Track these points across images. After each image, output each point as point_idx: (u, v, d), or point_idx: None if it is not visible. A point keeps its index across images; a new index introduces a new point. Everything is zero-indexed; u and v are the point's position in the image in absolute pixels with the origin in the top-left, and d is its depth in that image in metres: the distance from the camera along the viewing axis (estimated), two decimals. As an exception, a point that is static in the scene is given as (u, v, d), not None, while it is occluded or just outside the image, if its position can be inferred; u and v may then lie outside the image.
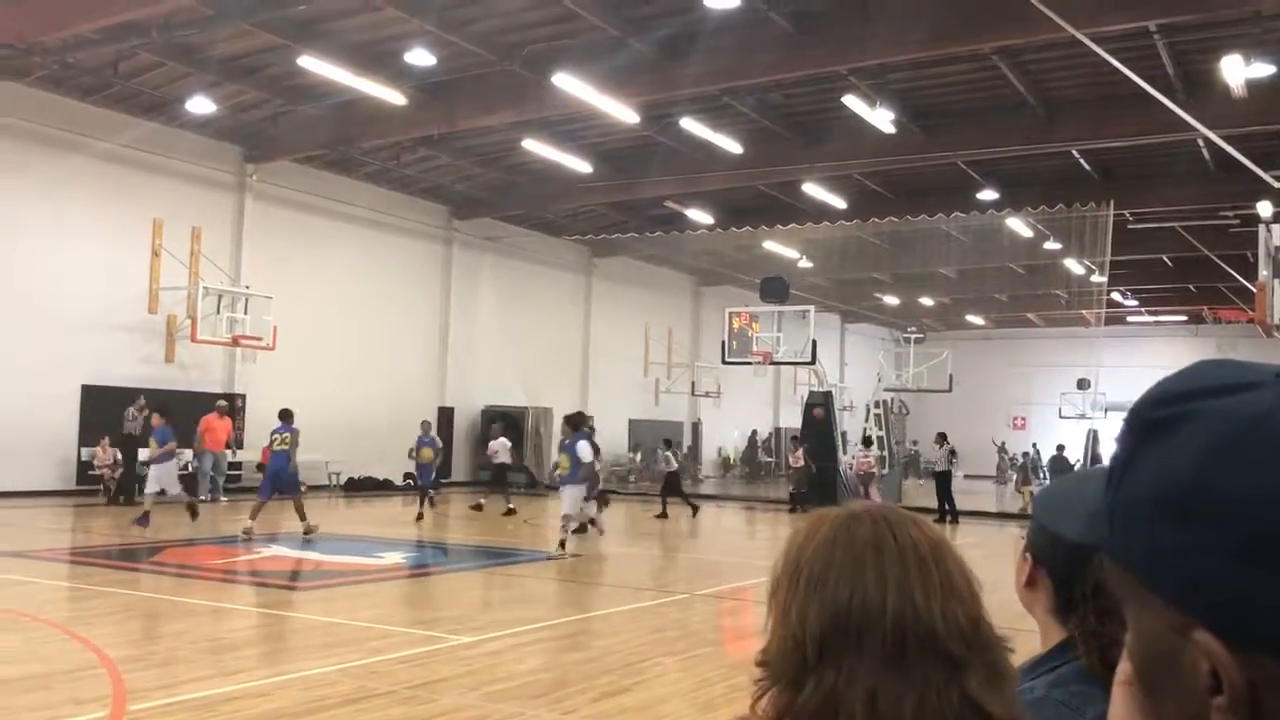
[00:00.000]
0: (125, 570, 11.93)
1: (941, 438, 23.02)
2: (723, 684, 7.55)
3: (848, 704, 1.09)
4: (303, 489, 16.38)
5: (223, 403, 21.65)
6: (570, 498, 14.33)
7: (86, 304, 20.91)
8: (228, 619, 9.56)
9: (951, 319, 47.47)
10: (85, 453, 20.74)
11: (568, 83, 18.25)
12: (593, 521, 15.92)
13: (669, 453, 23.40)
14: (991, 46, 17.38)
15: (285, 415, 15.83)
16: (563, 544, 13.98)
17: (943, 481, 22.82)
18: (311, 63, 18.36)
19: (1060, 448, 34.13)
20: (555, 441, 31.06)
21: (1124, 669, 0.74)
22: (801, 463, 23.42)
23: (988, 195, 25.61)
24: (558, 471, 14.92)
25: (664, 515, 21.39)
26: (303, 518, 15.18)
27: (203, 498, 20.05)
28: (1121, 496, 0.69)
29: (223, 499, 21.20)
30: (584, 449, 14.35)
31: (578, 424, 14.92)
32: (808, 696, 1.11)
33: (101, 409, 21.03)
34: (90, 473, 20.85)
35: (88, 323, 20.94)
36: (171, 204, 22.44)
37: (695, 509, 22.01)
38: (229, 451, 21.99)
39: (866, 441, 26.29)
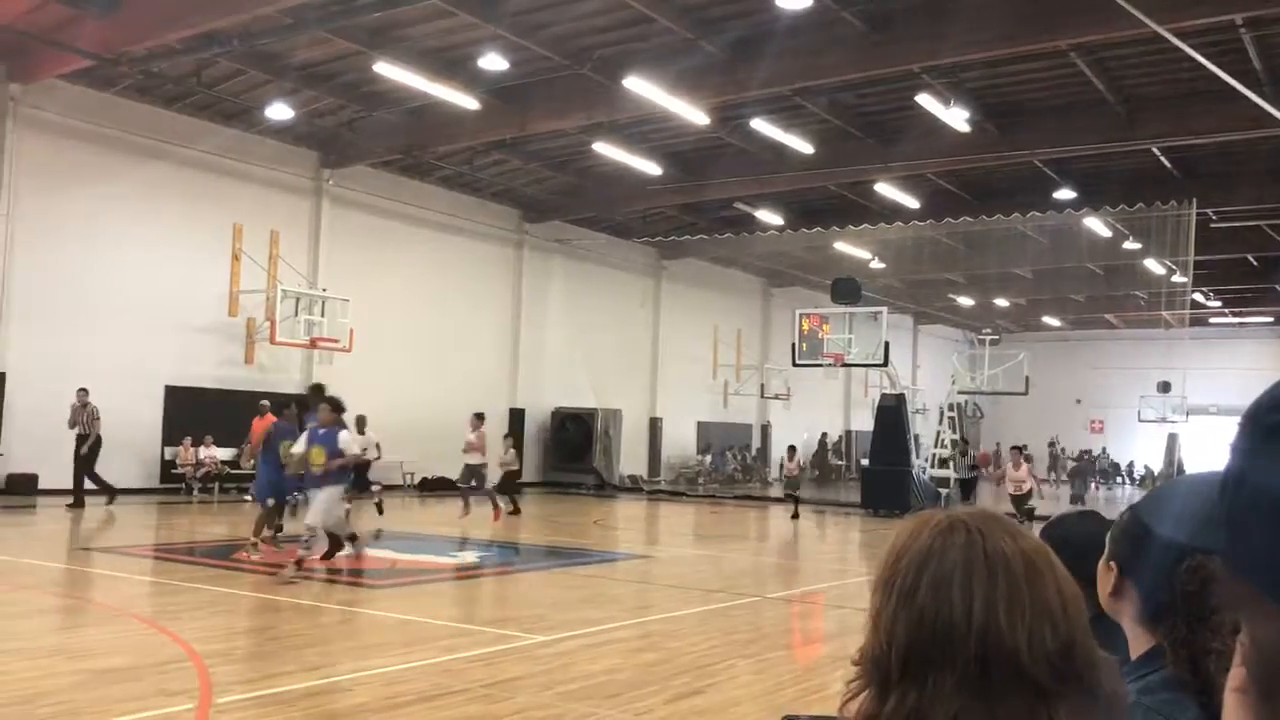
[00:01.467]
0: (208, 567, 12.23)
1: (964, 446, 23.15)
2: (795, 688, 7.52)
3: None
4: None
5: (265, 402, 20.45)
6: (324, 503, 11.14)
7: (170, 307, 21.49)
8: (307, 615, 9.75)
9: (1027, 320, 46.67)
10: (169, 452, 21.32)
11: (639, 85, 18.30)
12: (352, 538, 12.33)
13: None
14: (1069, 43, 17.05)
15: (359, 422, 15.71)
16: (299, 563, 11.06)
17: (966, 490, 22.82)
18: (386, 69, 18.67)
19: (1085, 452, 33.49)
20: (624, 443, 31.37)
21: (1238, 675, 0.73)
22: (796, 470, 23.86)
23: (1065, 194, 25.12)
24: (312, 468, 11.29)
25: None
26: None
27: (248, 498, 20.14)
28: (1239, 503, 0.68)
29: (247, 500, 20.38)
30: (345, 438, 11.44)
31: (338, 405, 11.65)
32: (890, 711, 1.09)
33: (184, 409, 21.62)
34: (173, 471, 21.44)
35: (171, 325, 21.51)
36: (251, 209, 22.97)
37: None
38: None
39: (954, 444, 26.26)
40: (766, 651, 8.78)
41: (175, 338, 21.61)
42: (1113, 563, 1.62)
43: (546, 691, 6.96)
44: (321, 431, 11.35)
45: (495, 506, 19.02)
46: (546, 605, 10.38)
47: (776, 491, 32.53)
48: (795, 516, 22.69)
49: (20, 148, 19.57)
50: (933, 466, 26.98)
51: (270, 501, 12.72)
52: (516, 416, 29.10)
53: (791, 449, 24.49)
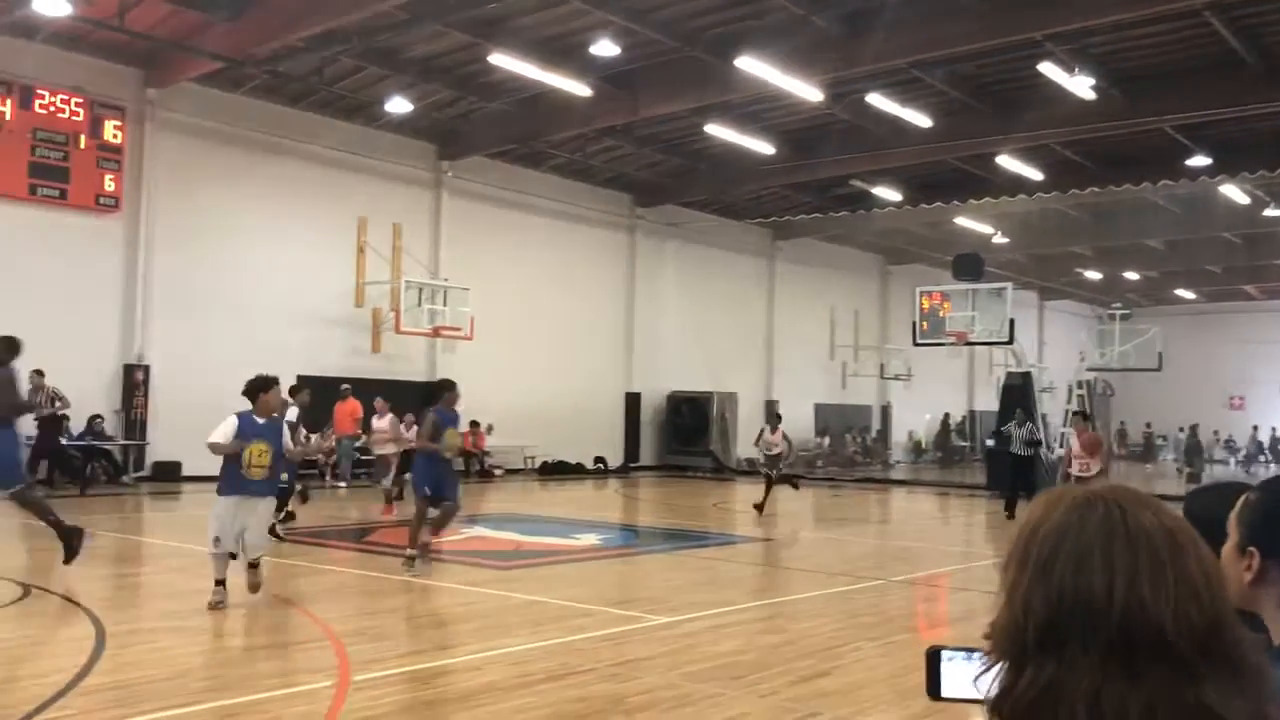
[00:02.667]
0: (343, 550, 12.67)
1: (1022, 417, 19.08)
2: (922, 671, 7.41)
3: (1069, 699, 1.06)
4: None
5: (346, 386, 20.82)
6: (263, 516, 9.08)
7: (299, 299, 22.26)
8: (437, 596, 10.02)
9: (1160, 293, 44.87)
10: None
11: (751, 64, 18.18)
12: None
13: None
14: (1203, 1, 16.30)
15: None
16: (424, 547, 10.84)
17: (1022, 466, 18.62)
18: (500, 59, 18.94)
19: (1194, 428, 31.99)
20: (741, 426, 31.29)
21: None
22: (778, 445, 18.45)
23: (1199, 161, 24.03)
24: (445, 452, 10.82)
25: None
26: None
27: (341, 483, 20.70)
28: None
29: (341, 486, 20.69)
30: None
31: (260, 388, 9.33)
32: (1027, 684, 1.09)
33: (315, 398, 22.28)
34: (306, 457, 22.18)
35: (301, 316, 22.29)
36: (374, 202, 23.60)
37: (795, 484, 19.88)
38: (360, 435, 20.96)
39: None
40: (892, 635, 8.68)
41: (305, 329, 22.38)
42: (1253, 548, 1.54)
43: (672, 672, 7.01)
44: (450, 416, 11.19)
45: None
46: (669, 587, 10.45)
47: (898, 474, 32.07)
48: (759, 507, 17.88)
49: (156, 149, 20.49)
50: (1061, 446, 26.21)
51: (427, 491, 11.01)
52: (633, 401, 29.30)
53: (775, 418, 19.66)
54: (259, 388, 9.19)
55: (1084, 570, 1.09)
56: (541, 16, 18.28)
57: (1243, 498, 1.61)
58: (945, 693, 1.40)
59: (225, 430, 8.75)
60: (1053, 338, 44.53)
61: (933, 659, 1.41)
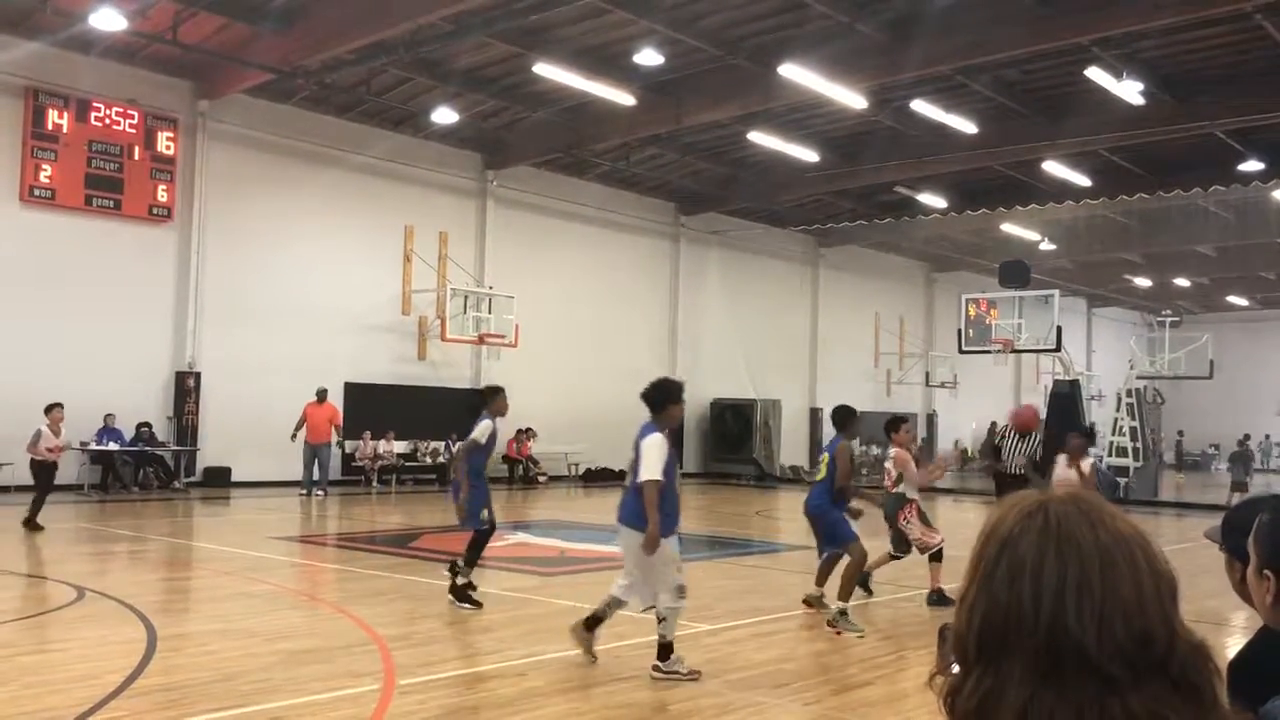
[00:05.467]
0: (388, 555, 12.79)
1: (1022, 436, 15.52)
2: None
3: (1002, 711, 1.07)
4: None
5: (323, 388, 20.43)
6: None
7: (347, 306, 22.54)
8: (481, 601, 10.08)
9: (1211, 300, 44.13)
10: (348, 445, 22.31)
11: (794, 72, 18.16)
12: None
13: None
14: (1255, 4, 16.04)
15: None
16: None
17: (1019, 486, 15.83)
18: (545, 69, 19.07)
19: (1244, 437, 31.18)
20: (784, 433, 31.17)
21: None
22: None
23: (1252, 166, 23.64)
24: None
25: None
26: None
27: (302, 492, 19.72)
28: None
29: (318, 494, 19.83)
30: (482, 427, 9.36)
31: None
32: (967, 695, 1.11)
33: (362, 405, 22.64)
34: (353, 464, 22.46)
35: (348, 324, 22.56)
36: (420, 211, 23.84)
37: None
38: (335, 443, 20.60)
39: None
40: (934, 639, 8.61)
41: (352, 336, 22.65)
42: (1268, 570, 1.52)
43: (714, 680, 7.01)
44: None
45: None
46: (712, 594, 10.44)
47: (943, 483, 31.73)
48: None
49: (208, 159, 20.86)
50: (1110, 456, 25.84)
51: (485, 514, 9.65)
52: (677, 408, 29.27)
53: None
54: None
55: (1017, 583, 1.10)
56: (586, 26, 18.38)
57: (1257, 519, 1.59)
58: (955, 669, 1.42)
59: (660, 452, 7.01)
60: (1101, 345, 43.96)
61: (944, 636, 1.42)
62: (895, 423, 10.49)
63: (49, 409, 14.41)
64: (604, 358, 27.29)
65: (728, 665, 7.45)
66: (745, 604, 10.05)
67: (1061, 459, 10.55)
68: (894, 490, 10.25)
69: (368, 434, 22.48)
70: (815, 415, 33.81)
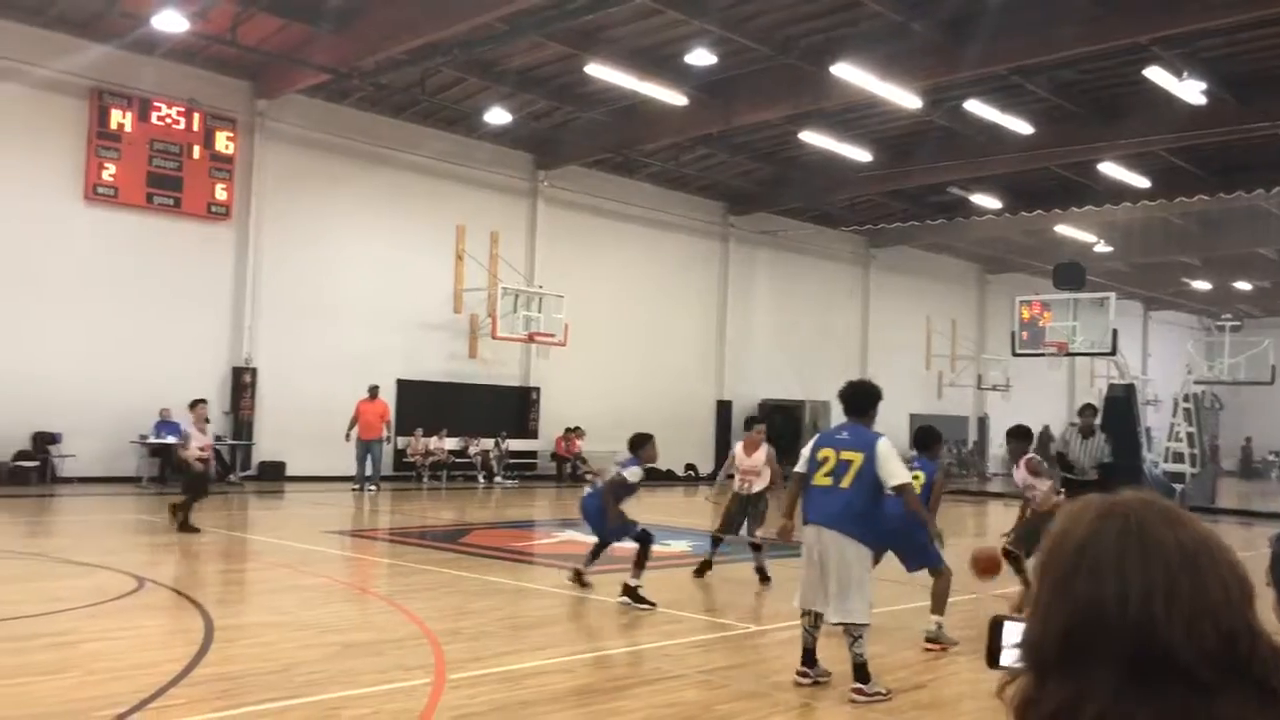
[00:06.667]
0: (438, 550, 12.93)
1: (1086, 424, 14.81)
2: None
3: (1083, 716, 1.05)
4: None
5: (375, 385, 20.72)
6: None
7: (400, 304, 22.79)
8: (530, 598, 10.17)
9: (1272, 304, 43.16)
10: (400, 441, 22.55)
11: (847, 72, 18.06)
12: None
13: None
14: (1322, 2, 15.69)
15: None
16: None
17: (1080, 493, 15.00)
18: (597, 70, 19.14)
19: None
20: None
21: None
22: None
23: (1317, 167, 23.13)
24: None
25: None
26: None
27: (354, 487, 19.95)
28: None
29: (371, 489, 20.04)
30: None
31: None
32: (1047, 698, 1.08)
33: (414, 402, 22.88)
34: (405, 460, 22.69)
35: (401, 321, 22.82)
36: (472, 210, 24.05)
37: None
38: (386, 439, 20.83)
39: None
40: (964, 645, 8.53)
41: (405, 334, 22.90)
42: None
43: (763, 680, 7.01)
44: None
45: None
46: (759, 595, 10.43)
47: (996, 486, 31.39)
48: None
49: (265, 158, 21.18)
50: (1166, 461, 25.40)
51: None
52: (723, 409, 29.24)
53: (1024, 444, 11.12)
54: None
55: (1098, 585, 1.08)
56: (638, 26, 18.42)
57: (1271, 552, 1.56)
58: (1004, 662, 1.42)
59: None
60: (1158, 349, 43.22)
61: (995, 629, 1.43)
62: (1026, 437, 10.16)
63: (193, 405, 14.12)
64: (652, 357, 27.34)
65: (775, 666, 7.44)
66: (793, 605, 10.00)
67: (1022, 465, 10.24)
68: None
69: (419, 431, 22.71)
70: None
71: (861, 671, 6.62)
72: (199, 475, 13.71)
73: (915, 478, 8.32)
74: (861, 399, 7.05)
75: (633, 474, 9.90)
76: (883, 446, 6.74)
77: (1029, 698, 1.11)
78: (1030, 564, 9.46)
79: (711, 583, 11.02)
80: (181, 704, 5.84)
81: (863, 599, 6.65)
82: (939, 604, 8.53)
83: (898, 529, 8.04)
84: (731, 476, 11.56)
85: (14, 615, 7.92)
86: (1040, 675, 1.11)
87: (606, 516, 9.88)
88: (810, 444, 7.14)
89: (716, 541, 11.25)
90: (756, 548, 11.04)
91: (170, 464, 19.65)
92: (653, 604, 9.39)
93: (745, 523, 11.11)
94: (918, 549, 8.55)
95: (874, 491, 6.66)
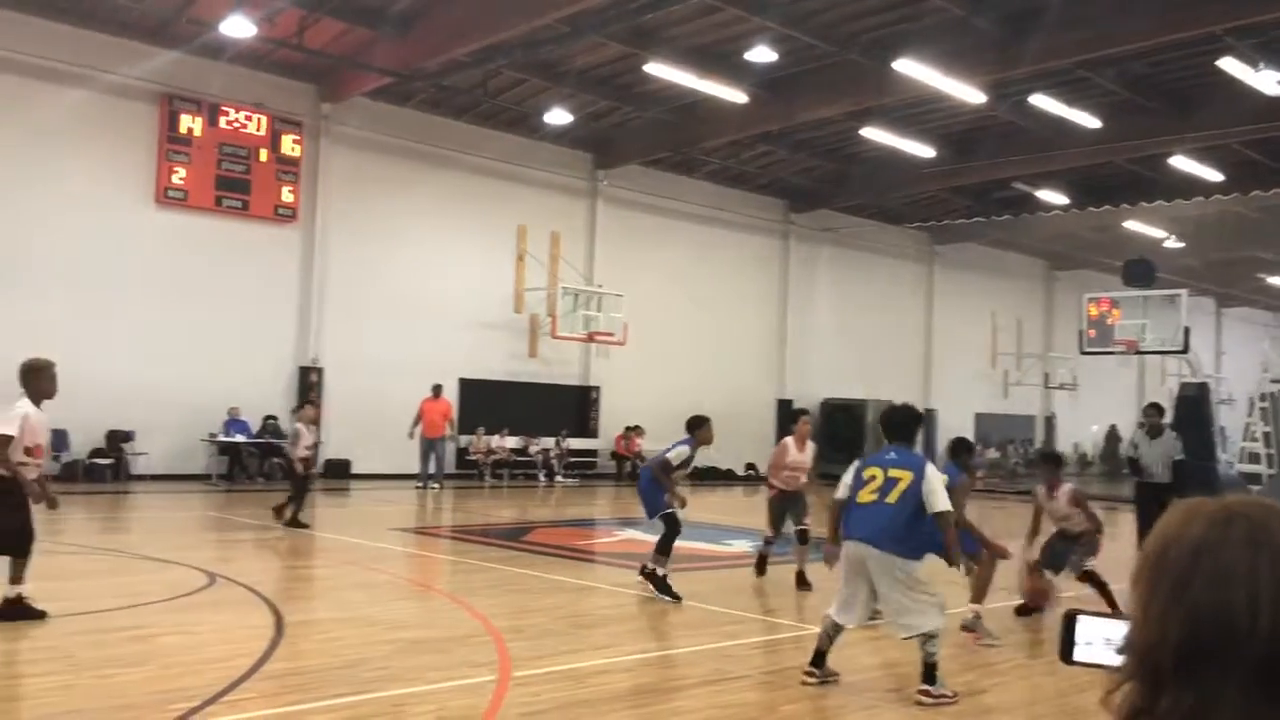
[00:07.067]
0: (501, 548, 13.03)
1: (1152, 422, 13.67)
2: (1092, 692, 7.17)
3: None
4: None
5: (438, 384, 20.98)
6: None
7: (462, 304, 23.02)
8: (592, 596, 10.21)
9: (1354, 300, 42.02)
10: (463, 440, 22.75)
11: (909, 67, 17.88)
12: None
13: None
14: (1405, -12, 15.21)
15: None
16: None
17: (1159, 497, 12.87)
18: (657, 69, 19.14)
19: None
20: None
21: None
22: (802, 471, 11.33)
23: (1400, 158, 22.42)
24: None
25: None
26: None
27: (418, 485, 20.17)
28: None
29: (434, 487, 20.30)
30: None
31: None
32: (1165, 712, 1.04)
33: (476, 400, 23.09)
34: (467, 458, 22.90)
35: (463, 321, 23.04)
36: (533, 210, 24.20)
37: None
38: (449, 437, 21.08)
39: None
40: (1055, 652, 8.40)
41: (467, 333, 23.12)
42: None
43: (825, 682, 6.97)
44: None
45: None
46: (822, 595, 10.36)
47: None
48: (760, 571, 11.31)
49: (330, 161, 21.51)
50: (1241, 462, 24.80)
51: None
52: (784, 408, 29.10)
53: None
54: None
55: (1224, 591, 1.03)
56: (698, 25, 18.40)
57: None
58: (1078, 658, 1.39)
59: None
60: (1231, 347, 42.17)
61: (1069, 623, 1.40)
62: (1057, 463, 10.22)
63: (301, 405, 14.56)
64: (712, 356, 27.30)
65: (840, 668, 7.38)
66: (827, 614, 9.93)
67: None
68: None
69: (481, 429, 22.91)
70: (929, 416, 33.22)
71: (930, 672, 6.53)
72: (304, 474, 13.89)
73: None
74: (904, 423, 7.11)
75: (676, 453, 9.90)
76: (932, 469, 6.77)
77: (1140, 707, 1.07)
78: (1050, 576, 9.34)
79: (774, 584, 10.97)
80: (253, 698, 5.96)
81: (924, 606, 6.54)
82: (978, 593, 8.59)
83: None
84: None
85: (95, 609, 8.14)
86: (1153, 684, 1.06)
87: (652, 492, 9.96)
88: (852, 469, 7.11)
89: (769, 543, 11.08)
90: (803, 539, 10.80)
91: (239, 462, 20.08)
92: (678, 597, 9.46)
93: (793, 516, 10.89)
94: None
95: (918, 509, 6.61)
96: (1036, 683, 7.44)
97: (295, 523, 13.55)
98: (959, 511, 8.60)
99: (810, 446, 11.11)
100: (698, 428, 10.14)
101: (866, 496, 6.77)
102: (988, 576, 8.67)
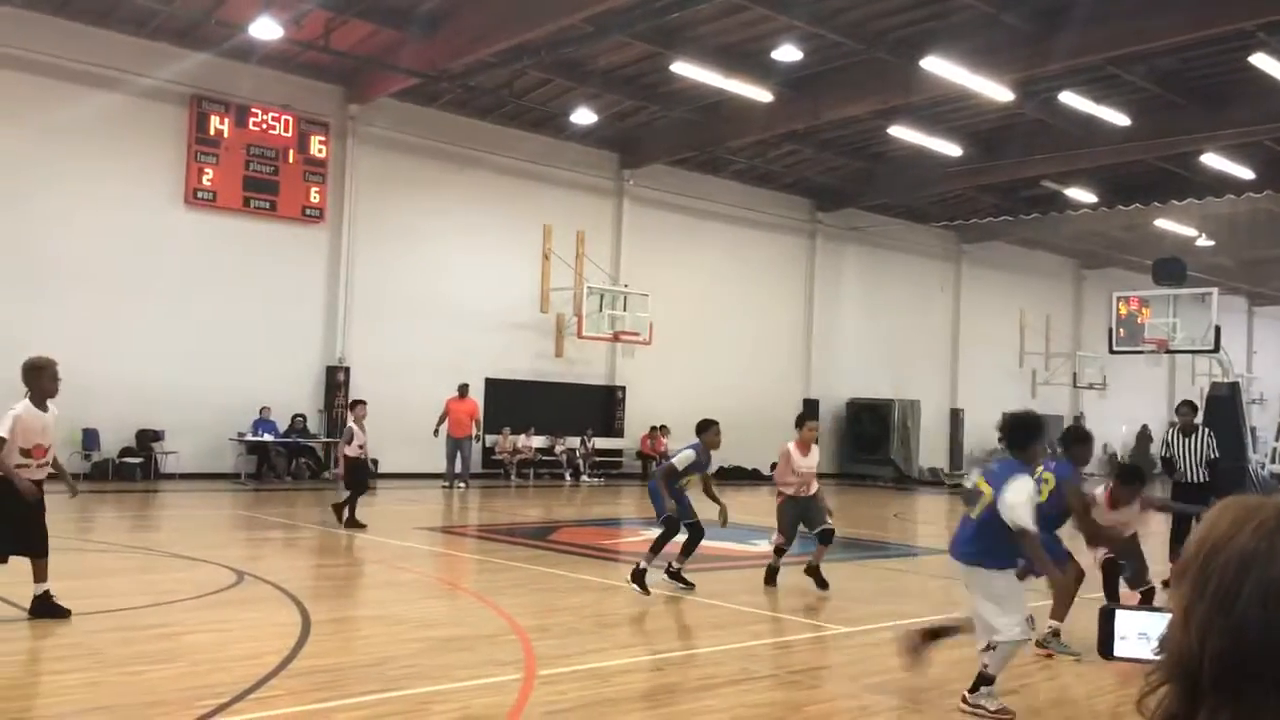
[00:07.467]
0: (527, 547, 13.06)
1: (1185, 421, 13.20)
2: (1116, 693, 7.10)
3: None
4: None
5: (464, 384, 21.12)
6: None
7: (488, 304, 23.08)
8: (617, 596, 10.19)
9: (1389, 299, 41.42)
10: (488, 439, 22.82)
11: (937, 65, 17.79)
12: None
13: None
14: None
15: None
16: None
17: (1196, 497, 11.94)
18: (683, 68, 19.13)
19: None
20: (923, 434, 30.52)
21: None
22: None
23: None
24: None
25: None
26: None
27: (444, 484, 20.24)
28: None
29: (460, 486, 20.46)
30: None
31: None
32: None
33: (501, 400, 23.15)
34: (493, 457, 22.96)
35: (489, 321, 23.11)
36: (559, 210, 24.23)
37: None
38: (475, 437, 21.27)
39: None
40: (1085, 655, 8.32)
41: (493, 333, 23.18)
42: None
43: (853, 683, 6.95)
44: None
45: None
46: (848, 597, 10.33)
47: (1091, 488, 30.64)
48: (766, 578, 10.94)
49: (357, 162, 21.63)
50: (1273, 462, 24.51)
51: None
52: (810, 407, 29.01)
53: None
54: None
55: (1275, 609, 0.99)
56: (723, 24, 18.37)
57: None
58: (1118, 652, 1.37)
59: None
60: (1264, 346, 41.69)
61: (1107, 618, 1.38)
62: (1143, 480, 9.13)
63: (354, 404, 14.65)
64: (738, 355, 27.24)
65: (866, 669, 7.36)
66: (883, 608, 9.90)
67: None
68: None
69: (507, 429, 22.97)
70: (956, 416, 33.04)
71: (979, 683, 6.34)
72: (361, 475, 13.97)
73: (1045, 480, 7.68)
74: (1017, 432, 6.57)
75: (682, 458, 10.05)
76: (1016, 484, 6.27)
77: (1175, 714, 1.03)
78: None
79: (799, 584, 10.93)
80: (281, 695, 6.00)
81: (1008, 616, 6.28)
82: (1059, 607, 7.98)
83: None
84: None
85: (125, 606, 8.22)
86: (1190, 692, 1.03)
87: (660, 497, 10.03)
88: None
89: (780, 553, 10.58)
90: (827, 539, 10.57)
91: (267, 461, 20.21)
92: (648, 591, 9.54)
93: (806, 521, 10.56)
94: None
95: (1003, 524, 6.26)
96: (1063, 684, 7.38)
97: (353, 523, 13.57)
98: (1080, 503, 7.97)
99: (815, 450, 10.82)
100: (704, 431, 10.23)
101: (967, 509, 6.62)
102: (1068, 588, 7.92)
